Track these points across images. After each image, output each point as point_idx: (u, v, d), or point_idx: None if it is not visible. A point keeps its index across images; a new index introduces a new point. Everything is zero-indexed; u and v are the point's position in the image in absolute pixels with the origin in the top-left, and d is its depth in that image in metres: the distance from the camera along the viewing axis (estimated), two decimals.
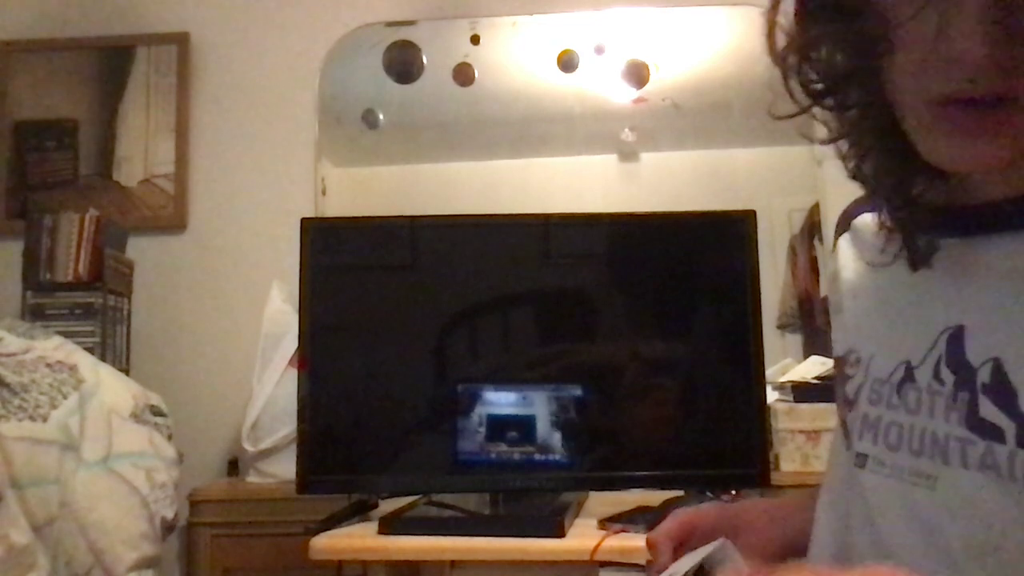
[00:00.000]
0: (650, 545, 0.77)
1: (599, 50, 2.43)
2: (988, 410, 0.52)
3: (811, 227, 2.31)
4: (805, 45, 0.56)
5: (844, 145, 0.60)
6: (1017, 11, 0.44)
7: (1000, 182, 0.54)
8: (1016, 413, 0.50)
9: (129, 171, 2.47)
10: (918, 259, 0.59)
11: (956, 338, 0.55)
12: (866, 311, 0.65)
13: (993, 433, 0.51)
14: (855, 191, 0.66)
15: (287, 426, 1.95)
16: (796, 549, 0.73)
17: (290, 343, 2.00)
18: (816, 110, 0.58)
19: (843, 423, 0.66)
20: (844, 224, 0.71)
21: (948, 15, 0.46)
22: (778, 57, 0.56)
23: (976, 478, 0.52)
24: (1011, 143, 0.48)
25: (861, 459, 0.61)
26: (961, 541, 0.52)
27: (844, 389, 0.66)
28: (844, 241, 0.71)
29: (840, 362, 0.68)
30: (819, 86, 0.56)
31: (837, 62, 0.55)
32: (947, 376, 0.55)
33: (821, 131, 0.60)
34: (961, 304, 0.56)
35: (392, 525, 1.41)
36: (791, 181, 2.35)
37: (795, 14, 0.56)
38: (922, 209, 0.58)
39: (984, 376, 0.52)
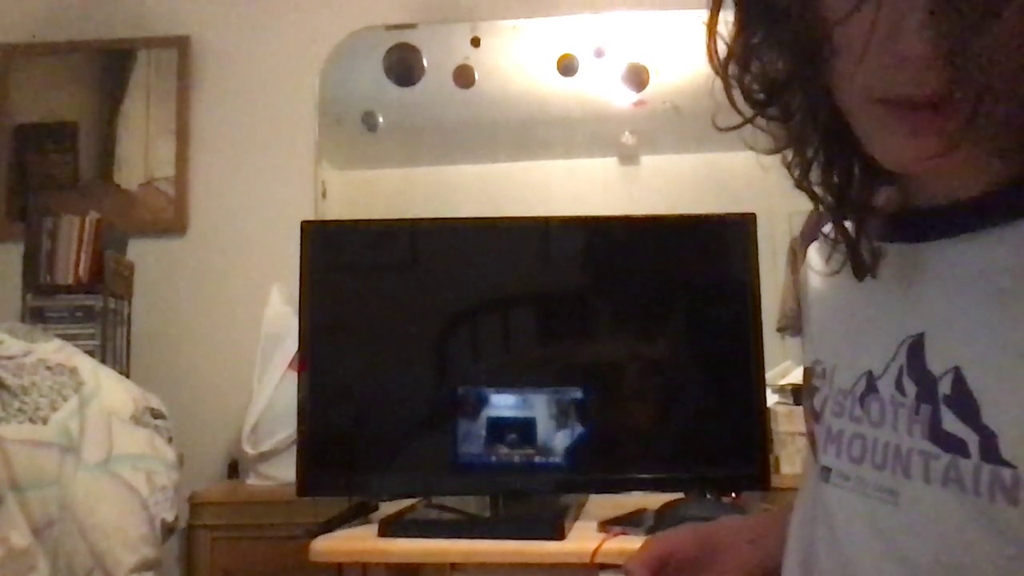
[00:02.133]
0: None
1: (599, 53, 2.44)
2: (951, 422, 0.51)
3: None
4: (746, 53, 0.55)
5: (788, 154, 0.59)
6: (963, 12, 0.44)
7: (948, 187, 0.54)
8: (979, 425, 0.49)
9: (129, 174, 2.48)
10: (863, 268, 0.58)
11: (917, 347, 0.54)
12: (829, 321, 0.65)
13: (956, 446, 0.50)
14: None
15: (287, 428, 1.95)
16: (774, 569, 0.71)
17: (290, 346, 2.00)
18: (761, 120, 0.57)
19: (811, 436, 0.65)
20: (813, 233, 0.71)
21: (894, 14, 0.46)
22: (719, 67, 0.56)
23: (939, 493, 0.51)
24: (950, 143, 0.47)
25: (825, 473, 0.60)
26: (926, 557, 0.51)
27: (811, 402, 0.65)
28: (813, 250, 0.70)
29: (808, 373, 0.67)
30: (761, 96, 0.56)
31: (779, 69, 0.55)
32: (909, 387, 0.54)
33: (764, 141, 0.59)
34: (920, 312, 0.55)
35: (392, 527, 1.41)
36: (791, 184, 2.35)
37: (734, 22, 0.55)
38: (869, 215, 0.58)
39: (945, 387, 0.51)
